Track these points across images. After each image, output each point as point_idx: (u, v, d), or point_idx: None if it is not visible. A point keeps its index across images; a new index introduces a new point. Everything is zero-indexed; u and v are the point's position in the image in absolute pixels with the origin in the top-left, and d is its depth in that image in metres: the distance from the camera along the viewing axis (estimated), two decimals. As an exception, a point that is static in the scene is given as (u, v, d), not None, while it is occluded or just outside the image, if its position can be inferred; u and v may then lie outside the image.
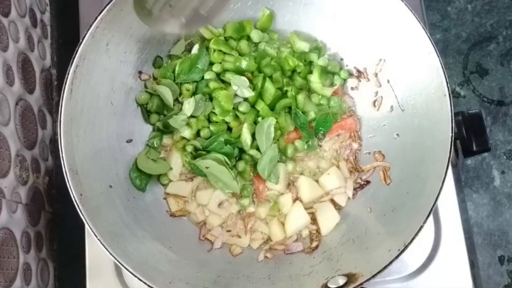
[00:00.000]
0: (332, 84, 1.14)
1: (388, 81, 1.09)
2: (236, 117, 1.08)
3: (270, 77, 1.10)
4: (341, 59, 1.16)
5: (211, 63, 1.11)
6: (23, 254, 1.09)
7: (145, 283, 0.90)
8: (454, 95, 1.97)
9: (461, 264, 1.10)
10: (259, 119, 1.08)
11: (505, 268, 1.83)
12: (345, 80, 1.15)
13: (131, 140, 1.10)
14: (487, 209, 1.88)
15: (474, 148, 1.14)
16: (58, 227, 1.24)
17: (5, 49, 1.10)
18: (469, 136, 1.14)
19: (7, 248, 1.03)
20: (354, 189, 1.10)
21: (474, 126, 1.14)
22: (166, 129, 1.09)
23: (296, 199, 1.10)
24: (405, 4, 0.99)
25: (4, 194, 1.04)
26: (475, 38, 2.02)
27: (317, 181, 1.10)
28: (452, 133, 0.93)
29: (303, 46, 1.13)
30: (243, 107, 1.08)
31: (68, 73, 0.95)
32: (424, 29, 0.98)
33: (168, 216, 1.09)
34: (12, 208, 1.07)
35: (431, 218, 1.08)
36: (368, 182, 1.10)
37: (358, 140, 1.12)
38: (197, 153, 1.08)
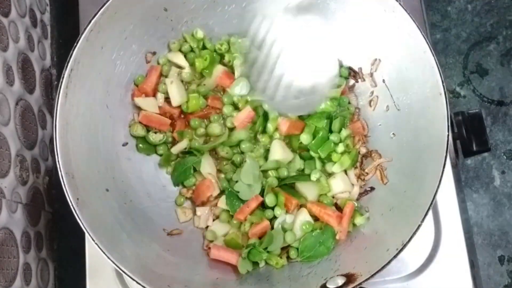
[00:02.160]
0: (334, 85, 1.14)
1: (384, 81, 1.09)
2: None
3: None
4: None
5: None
6: (23, 254, 1.09)
7: (144, 287, 0.90)
8: (454, 95, 1.98)
9: (461, 264, 1.10)
10: None
11: (505, 268, 1.84)
12: (346, 78, 1.14)
13: (126, 143, 1.10)
14: (487, 209, 1.88)
15: (474, 148, 1.14)
16: (58, 227, 1.24)
17: (5, 49, 1.11)
18: (469, 136, 1.14)
19: (7, 248, 1.04)
20: (360, 194, 1.10)
21: (474, 126, 1.14)
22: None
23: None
24: (400, 3, 0.99)
25: (4, 194, 1.05)
26: (475, 38, 2.02)
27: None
28: (448, 131, 0.92)
29: None
30: None
31: (63, 78, 0.95)
32: (418, 28, 0.97)
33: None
34: (12, 208, 1.07)
35: (431, 218, 1.10)
36: (372, 188, 1.09)
37: (365, 145, 1.12)
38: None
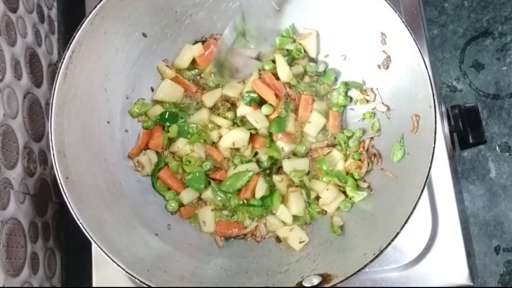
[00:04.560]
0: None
1: (377, 89, 1.10)
2: None
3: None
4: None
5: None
6: (30, 244, 1.11)
7: (122, 269, 0.90)
8: (451, 89, 1.99)
9: (457, 254, 1.10)
10: None
11: (501, 258, 1.85)
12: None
13: (122, 128, 1.11)
14: (483, 200, 1.89)
15: (471, 140, 1.15)
16: (65, 217, 1.25)
17: (13, 44, 1.12)
18: (466, 129, 1.15)
19: (15, 238, 1.05)
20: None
21: (471, 119, 1.16)
22: None
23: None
24: (402, 20, 0.97)
25: (12, 185, 1.06)
26: (472, 34, 2.03)
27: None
28: (434, 144, 0.91)
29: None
30: None
31: (64, 58, 0.95)
32: (415, 41, 0.96)
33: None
34: (20, 199, 1.09)
35: (428, 208, 1.10)
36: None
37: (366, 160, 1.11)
38: None
